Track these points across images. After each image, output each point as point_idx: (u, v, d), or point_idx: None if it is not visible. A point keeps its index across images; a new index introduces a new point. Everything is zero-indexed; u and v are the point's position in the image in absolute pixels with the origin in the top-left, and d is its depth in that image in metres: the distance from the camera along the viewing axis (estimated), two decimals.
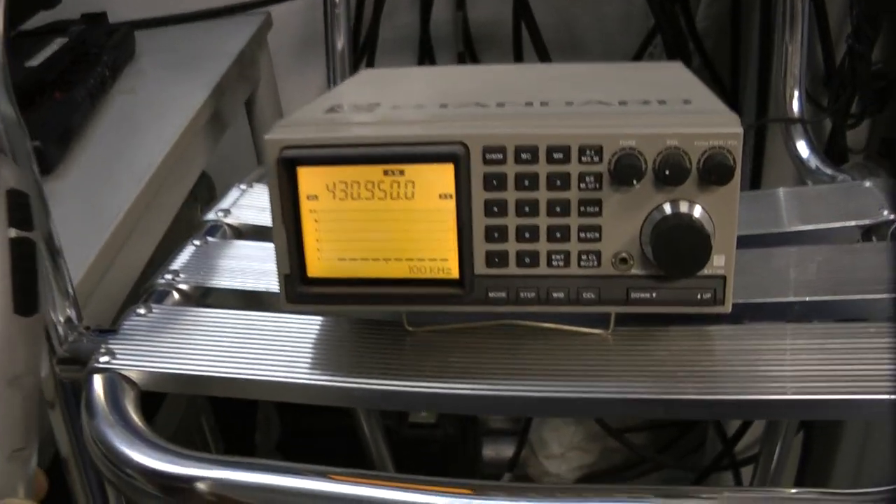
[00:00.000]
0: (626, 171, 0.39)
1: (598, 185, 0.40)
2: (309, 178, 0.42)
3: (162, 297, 0.54)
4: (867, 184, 0.56)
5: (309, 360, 0.46)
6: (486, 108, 0.45)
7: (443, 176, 0.40)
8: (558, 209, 0.40)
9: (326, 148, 0.41)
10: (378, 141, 0.41)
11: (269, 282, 0.53)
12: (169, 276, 0.55)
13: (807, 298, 0.46)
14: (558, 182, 0.40)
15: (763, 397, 0.40)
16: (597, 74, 0.56)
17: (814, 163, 0.63)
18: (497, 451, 1.27)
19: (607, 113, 0.43)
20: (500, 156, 0.40)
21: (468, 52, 1.08)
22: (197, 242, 0.59)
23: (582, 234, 0.40)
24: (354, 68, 1.10)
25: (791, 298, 0.46)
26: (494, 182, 0.40)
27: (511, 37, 1.02)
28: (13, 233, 0.40)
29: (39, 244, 0.42)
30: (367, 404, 0.43)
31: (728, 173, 0.38)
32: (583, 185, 0.40)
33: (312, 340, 0.47)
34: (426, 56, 1.09)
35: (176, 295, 0.54)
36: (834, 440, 0.87)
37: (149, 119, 0.83)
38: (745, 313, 0.47)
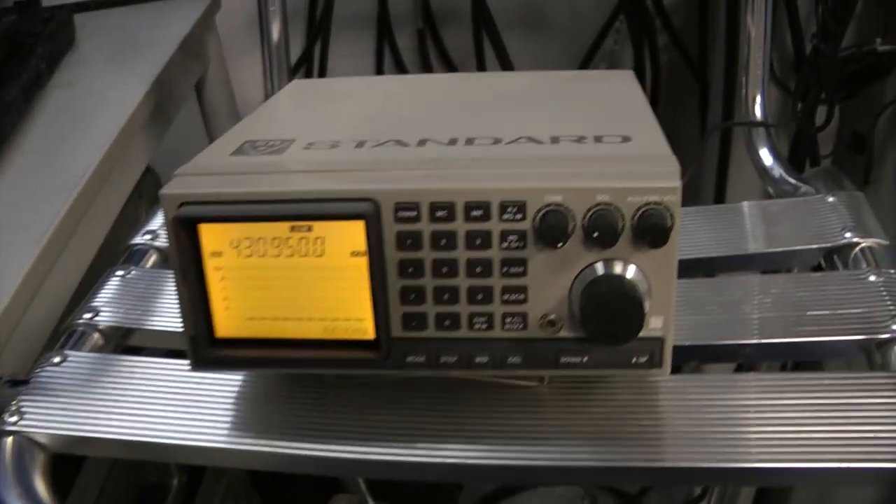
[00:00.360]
0: (551, 231, 0.35)
1: (521, 244, 0.36)
2: (211, 235, 0.38)
3: (80, 339, 0.50)
4: (830, 199, 0.52)
5: (230, 420, 0.43)
6: (406, 147, 0.41)
7: (353, 233, 0.37)
8: (479, 269, 0.36)
9: (227, 205, 0.37)
10: (282, 197, 0.37)
11: None
12: (88, 316, 0.52)
13: (758, 341, 0.43)
14: (478, 241, 0.36)
15: (709, 465, 0.38)
16: (536, 92, 0.51)
17: (777, 171, 0.59)
18: None
19: (535, 158, 0.39)
20: (413, 213, 0.36)
21: (428, 29, 1.03)
22: (120, 273, 0.56)
23: (506, 296, 0.37)
24: (310, 46, 1.05)
25: (742, 341, 0.43)
26: (409, 241, 0.36)
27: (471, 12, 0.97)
28: None
29: None
30: (293, 469, 0.41)
31: (663, 235, 0.34)
32: (505, 245, 0.36)
33: (234, 395, 0.44)
34: (385, 33, 1.04)
35: (96, 336, 0.51)
36: None
37: (87, 115, 0.78)
38: (692, 356, 0.44)
